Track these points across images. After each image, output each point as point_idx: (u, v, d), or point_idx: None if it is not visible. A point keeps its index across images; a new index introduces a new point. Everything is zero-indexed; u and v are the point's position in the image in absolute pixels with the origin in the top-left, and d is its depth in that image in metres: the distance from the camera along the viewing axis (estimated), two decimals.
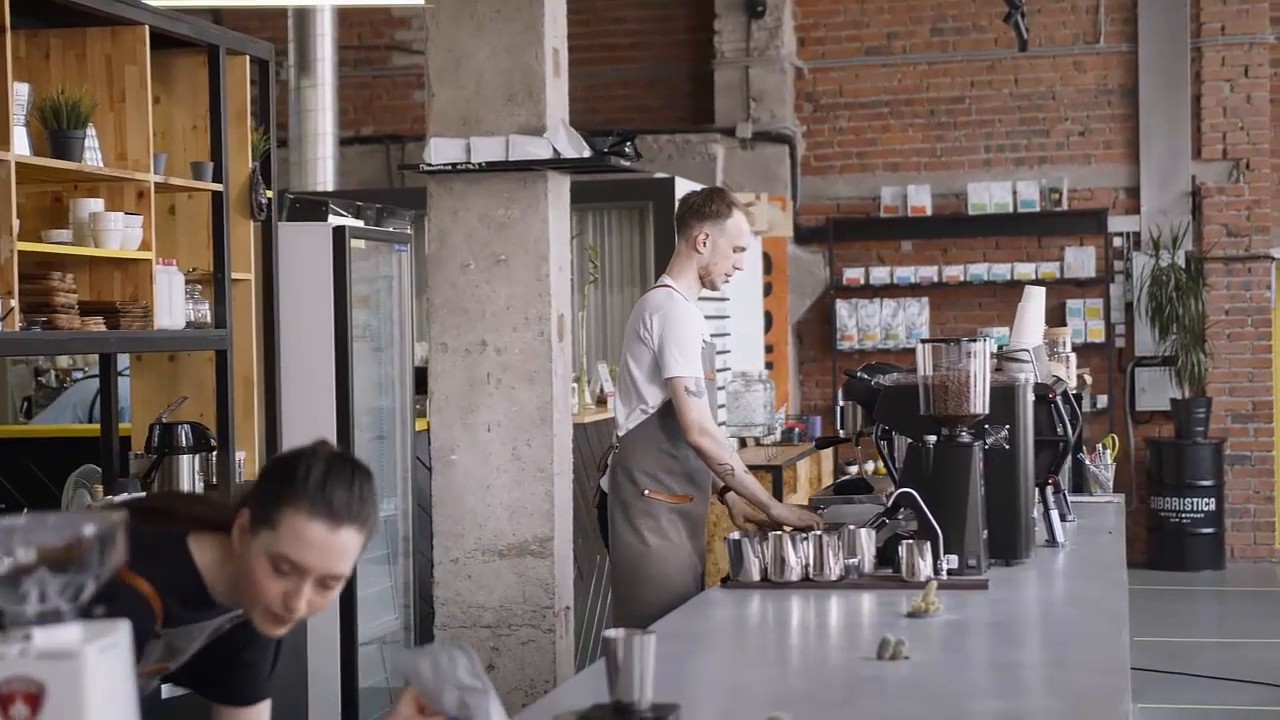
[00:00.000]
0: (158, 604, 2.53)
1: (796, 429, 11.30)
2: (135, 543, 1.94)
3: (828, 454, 11.24)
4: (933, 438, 4.31)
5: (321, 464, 2.52)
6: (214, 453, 5.58)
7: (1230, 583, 11.63)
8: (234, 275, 5.71)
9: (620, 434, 5.20)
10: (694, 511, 5.17)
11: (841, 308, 12.53)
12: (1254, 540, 12.20)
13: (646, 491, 5.10)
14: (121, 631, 1.80)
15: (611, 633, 2.66)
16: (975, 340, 4.34)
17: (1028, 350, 5.11)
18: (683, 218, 5.27)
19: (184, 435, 5.44)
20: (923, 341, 4.39)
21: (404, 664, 2.50)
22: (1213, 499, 11.86)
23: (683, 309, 5.10)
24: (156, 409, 5.65)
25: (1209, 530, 11.88)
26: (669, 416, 5.07)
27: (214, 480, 5.62)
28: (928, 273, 12.44)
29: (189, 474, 5.48)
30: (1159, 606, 10.55)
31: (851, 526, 4.28)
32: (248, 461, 5.84)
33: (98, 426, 5.87)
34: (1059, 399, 4.97)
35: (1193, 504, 11.83)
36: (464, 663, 2.52)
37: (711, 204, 5.21)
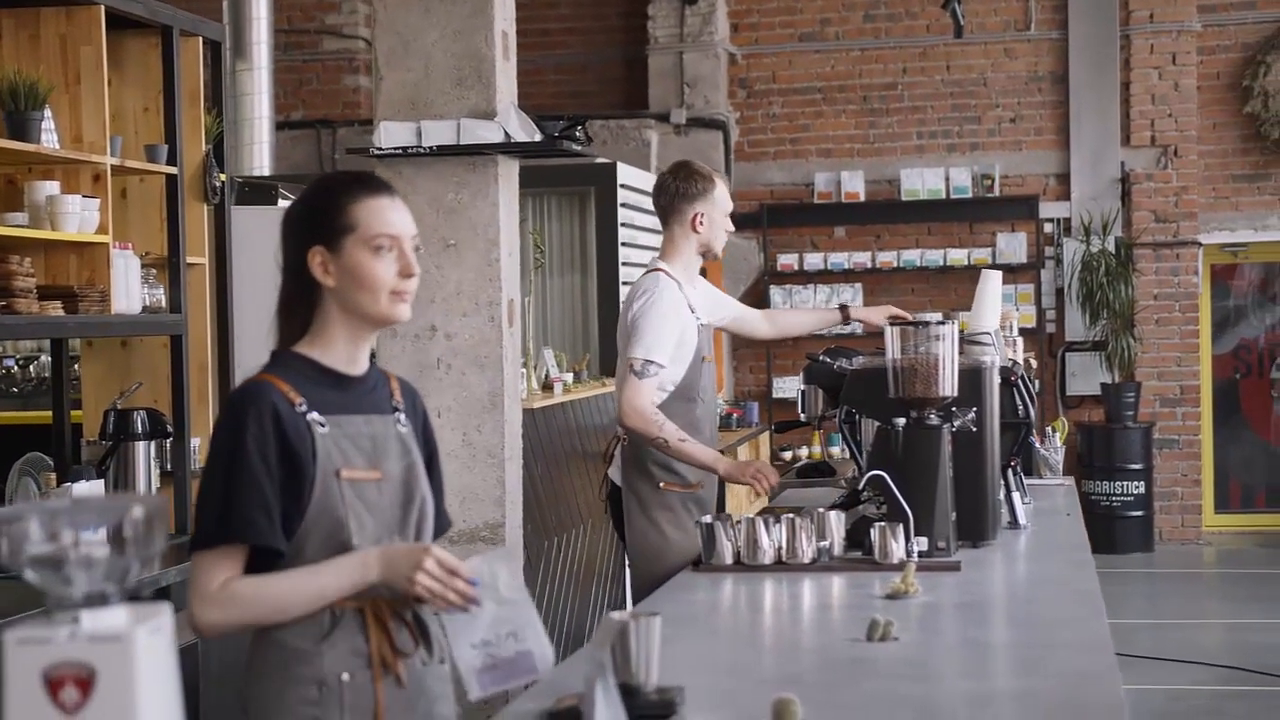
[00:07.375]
0: (283, 384, 2.76)
1: (735, 415, 11.34)
2: None
3: (764, 438, 11.29)
4: (901, 420, 4.32)
5: (336, 175, 2.89)
6: (169, 439, 5.51)
7: (1159, 564, 11.79)
8: (188, 259, 5.65)
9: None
10: (705, 497, 5.14)
11: (776, 293, 12.56)
12: (1182, 523, 12.37)
13: (662, 484, 5.06)
14: (165, 614, 1.78)
15: (618, 615, 2.66)
16: (944, 323, 4.35)
17: (989, 333, 5.14)
18: (670, 203, 5.23)
19: (140, 421, 5.35)
20: (891, 323, 4.40)
21: None
22: (1142, 482, 12.01)
23: (670, 297, 5.05)
24: (109, 395, 5.56)
25: (1138, 513, 12.03)
26: (676, 402, 5.02)
27: (169, 467, 5.55)
28: (861, 258, 12.49)
29: (144, 461, 5.40)
30: None
31: (821, 509, 4.29)
32: (203, 448, 5.77)
33: (48, 414, 5.77)
34: (1020, 381, 5.01)
35: (1122, 487, 11.98)
36: (504, 576, 2.53)
37: (696, 183, 5.22)
